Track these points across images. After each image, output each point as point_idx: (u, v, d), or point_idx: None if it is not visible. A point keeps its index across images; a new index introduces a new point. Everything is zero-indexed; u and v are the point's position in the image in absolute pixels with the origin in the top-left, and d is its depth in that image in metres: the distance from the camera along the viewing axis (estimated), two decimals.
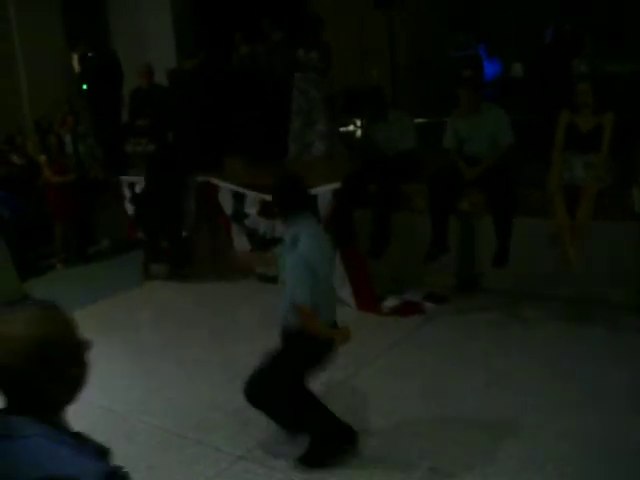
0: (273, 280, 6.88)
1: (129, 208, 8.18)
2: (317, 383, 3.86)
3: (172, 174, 7.39)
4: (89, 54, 9.75)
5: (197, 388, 4.95)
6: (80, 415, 4.29)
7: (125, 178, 8.23)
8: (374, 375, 4.92)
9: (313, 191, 6.50)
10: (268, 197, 6.86)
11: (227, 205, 7.36)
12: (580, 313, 5.72)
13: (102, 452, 1.67)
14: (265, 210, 6.91)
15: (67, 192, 8.16)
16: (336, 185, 6.49)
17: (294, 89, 8.35)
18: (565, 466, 3.70)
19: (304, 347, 3.69)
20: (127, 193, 8.16)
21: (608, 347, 5.15)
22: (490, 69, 9.84)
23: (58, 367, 1.58)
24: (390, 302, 6.26)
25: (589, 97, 5.59)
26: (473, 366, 4.97)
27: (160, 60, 9.32)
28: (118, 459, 1.67)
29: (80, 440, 1.63)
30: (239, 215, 7.22)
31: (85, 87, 9.83)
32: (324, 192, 6.50)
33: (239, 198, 7.20)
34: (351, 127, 10.02)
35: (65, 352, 1.60)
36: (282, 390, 3.75)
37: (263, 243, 7.01)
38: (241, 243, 7.30)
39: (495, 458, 3.82)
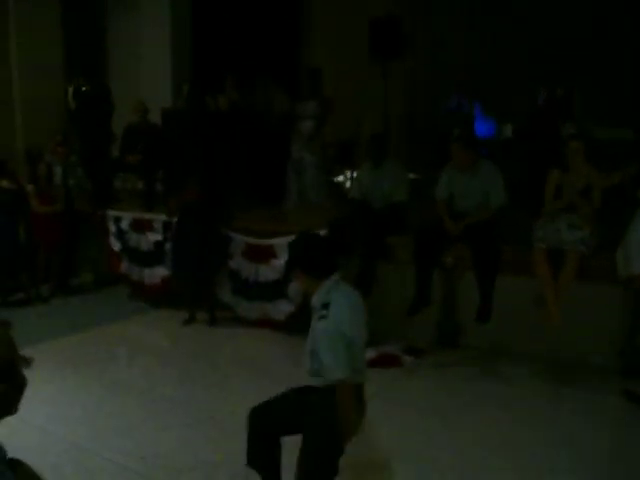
0: (258, 324, 6.93)
1: (113, 243, 8.14)
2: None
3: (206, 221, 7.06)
4: (83, 88, 9.82)
5: (166, 429, 4.84)
6: (44, 448, 4.25)
7: (111, 213, 8.20)
8: None
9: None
10: (254, 240, 6.90)
11: None
12: (560, 374, 5.70)
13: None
14: (250, 253, 6.89)
15: (53, 222, 8.12)
16: (322, 232, 6.49)
17: (292, 141, 8.48)
18: None
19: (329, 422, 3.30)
20: (112, 228, 8.13)
21: (588, 409, 5.11)
22: (482, 129, 9.98)
23: None
24: (368, 354, 6.18)
25: (581, 155, 5.68)
26: (449, 422, 4.90)
27: (156, 99, 9.38)
28: None
29: None
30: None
31: (76, 120, 9.90)
32: None
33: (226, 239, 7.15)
34: (341, 177, 10.09)
35: None
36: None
37: (245, 287, 6.98)
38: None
39: None
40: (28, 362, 5.25)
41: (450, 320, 6.47)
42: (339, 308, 3.25)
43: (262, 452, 3.59)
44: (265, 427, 3.53)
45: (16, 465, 1.70)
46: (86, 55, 10.97)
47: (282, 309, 6.68)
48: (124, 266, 8.10)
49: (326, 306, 3.25)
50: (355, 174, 8.67)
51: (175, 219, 7.24)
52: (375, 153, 6.81)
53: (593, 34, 9.71)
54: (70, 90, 10.54)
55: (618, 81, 9.52)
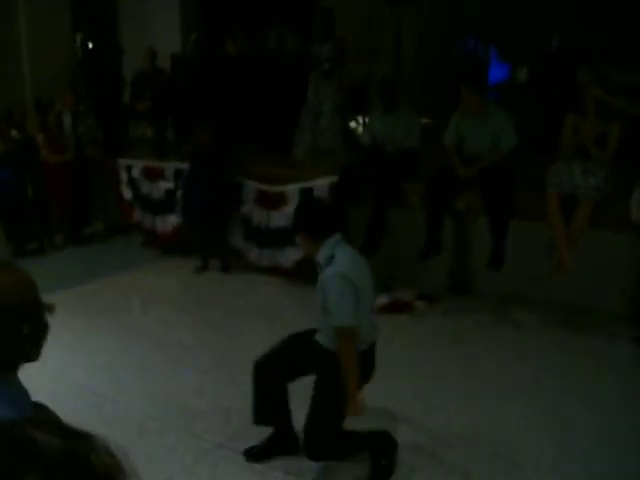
0: (268, 271, 6.96)
1: (125, 191, 8.13)
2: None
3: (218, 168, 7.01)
4: (90, 37, 9.75)
5: (181, 374, 4.91)
6: (61, 393, 4.33)
7: (122, 161, 8.17)
8: None
9: (310, 184, 6.53)
10: (266, 187, 6.88)
11: None
12: (571, 319, 5.70)
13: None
14: (262, 199, 6.88)
15: (64, 172, 8.10)
16: (333, 179, 6.47)
17: (309, 83, 8.38)
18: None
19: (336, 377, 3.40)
20: (124, 176, 8.11)
21: (598, 355, 5.14)
22: (497, 73, 9.82)
23: (10, 321, 1.57)
24: (380, 299, 6.23)
25: (597, 103, 5.58)
26: (458, 369, 4.94)
27: (165, 44, 9.25)
28: None
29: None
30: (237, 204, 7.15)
31: (85, 68, 9.84)
32: (320, 186, 6.48)
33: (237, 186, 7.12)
34: (353, 124, 9.96)
35: (18, 307, 1.59)
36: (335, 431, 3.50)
37: (257, 234, 6.98)
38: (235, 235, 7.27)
39: (475, 465, 3.80)
40: (50, 308, 5.30)
41: (462, 267, 6.47)
42: (344, 258, 3.39)
43: (270, 405, 3.72)
44: (270, 375, 3.63)
45: (39, 408, 1.73)
46: (94, 3, 10.81)
47: (290, 256, 6.69)
48: (136, 214, 8.11)
49: (331, 258, 3.38)
50: (367, 120, 8.62)
51: (187, 165, 7.21)
52: (385, 98, 6.72)
53: None
54: (78, 38, 10.47)
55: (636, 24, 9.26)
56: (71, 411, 4.01)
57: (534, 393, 4.56)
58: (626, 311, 5.65)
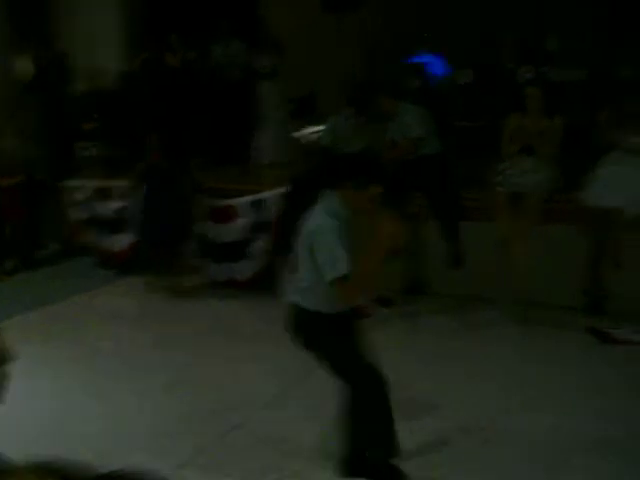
0: (225, 286, 6.95)
1: (77, 212, 8.02)
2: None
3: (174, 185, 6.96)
4: (41, 57, 9.61)
5: (142, 394, 4.86)
6: (21, 422, 4.25)
7: (72, 182, 8.08)
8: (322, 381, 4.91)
9: (260, 196, 6.56)
10: (218, 201, 6.87)
11: None
12: (529, 315, 5.81)
13: None
14: (214, 214, 6.86)
15: (14, 195, 7.99)
16: (283, 189, 6.50)
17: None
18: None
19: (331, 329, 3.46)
20: (75, 197, 8.01)
21: (556, 347, 5.30)
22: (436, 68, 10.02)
23: None
24: None
25: (538, 101, 5.74)
26: (418, 372, 4.97)
27: (109, 63, 9.19)
28: None
29: None
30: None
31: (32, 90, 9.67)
32: (271, 196, 6.51)
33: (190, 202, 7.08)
34: (302, 132, 10.01)
35: None
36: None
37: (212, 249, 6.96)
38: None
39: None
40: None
41: (417, 269, 6.54)
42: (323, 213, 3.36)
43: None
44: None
45: None
46: (32, 25, 10.62)
47: (246, 270, 6.70)
48: (90, 235, 8.01)
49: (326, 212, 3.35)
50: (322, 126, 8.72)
51: (140, 184, 7.15)
52: (357, 102, 6.77)
53: None
54: (22, 61, 10.29)
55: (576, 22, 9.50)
56: (32, 440, 3.96)
57: (494, 387, 4.65)
58: (580, 303, 5.81)
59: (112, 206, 7.70)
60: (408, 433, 3.76)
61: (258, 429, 3.86)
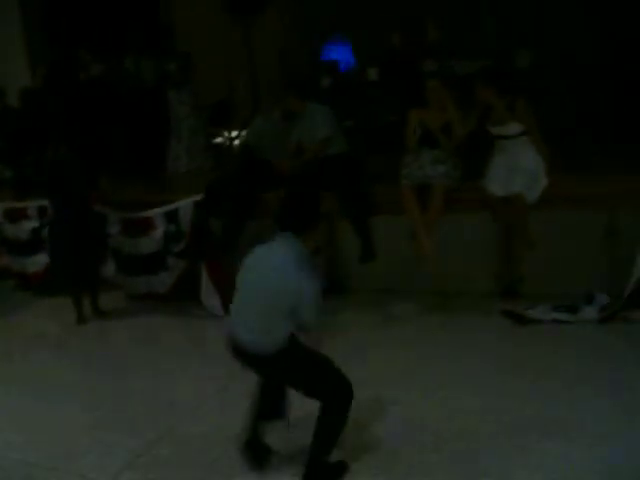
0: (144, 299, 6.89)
1: None
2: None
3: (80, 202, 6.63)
4: None
5: (66, 417, 4.78)
6: None
7: None
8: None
9: (174, 205, 6.52)
10: (131, 214, 6.78)
11: None
12: (446, 304, 5.94)
13: None
14: (128, 227, 6.77)
15: None
16: (197, 197, 6.47)
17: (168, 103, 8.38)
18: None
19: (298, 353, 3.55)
20: None
21: (473, 330, 5.44)
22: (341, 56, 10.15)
23: None
24: None
25: (439, 93, 5.86)
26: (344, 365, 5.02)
27: (12, 80, 8.97)
28: None
29: None
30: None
31: None
32: (185, 205, 6.47)
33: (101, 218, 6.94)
34: (219, 139, 9.98)
35: None
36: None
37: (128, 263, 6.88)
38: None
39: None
40: None
41: (336, 267, 6.60)
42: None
43: None
44: None
45: None
46: None
47: (165, 281, 6.66)
48: (4, 258, 7.84)
49: (300, 259, 3.38)
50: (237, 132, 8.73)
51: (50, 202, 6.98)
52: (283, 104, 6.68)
53: None
54: None
55: (475, 12, 9.74)
56: None
57: (418, 381, 4.74)
58: (494, 288, 5.96)
59: (25, 227, 7.53)
60: None
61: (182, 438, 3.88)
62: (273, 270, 3.38)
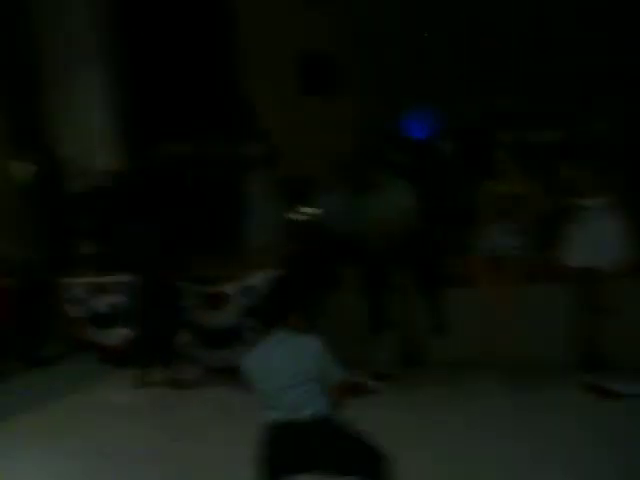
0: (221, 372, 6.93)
1: (73, 309, 8.11)
2: None
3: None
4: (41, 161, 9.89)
5: None
6: None
7: (67, 280, 8.20)
8: None
9: (252, 279, 6.62)
10: (209, 288, 6.93)
11: None
12: (520, 377, 5.78)
13: None
14: (206, 301, 6.91)
15: (5, 295, 8.11)
16: (274, 272, 6.55)
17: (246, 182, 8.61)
18: None
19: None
20: (70, 294, 8.12)
21: (557, 408, 5.25)
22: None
23: None
24: None
25: (506, 165, 5.86)
26: (421, 443, 4.89)
27: (100, 162, 9.42)
28: None
29: None
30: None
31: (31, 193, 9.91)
32: (262, 279, 6.56)
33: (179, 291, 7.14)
34: (295, 215, 10.12)
35: None
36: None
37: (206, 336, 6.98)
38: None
39: None
40: None
41: (412, 340, 6.52)
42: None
43: None
44: None
45: None
46: (26, 128, 10.93)
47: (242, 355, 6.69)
48: (88, 331, 8.10)
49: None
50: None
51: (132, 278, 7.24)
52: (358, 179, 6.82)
53: None
54: (21, 164, 10.57)
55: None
56: None
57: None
58: (576, 359, 5.79)
59: (107, 301, 7.81)
60: None
61: None
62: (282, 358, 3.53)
